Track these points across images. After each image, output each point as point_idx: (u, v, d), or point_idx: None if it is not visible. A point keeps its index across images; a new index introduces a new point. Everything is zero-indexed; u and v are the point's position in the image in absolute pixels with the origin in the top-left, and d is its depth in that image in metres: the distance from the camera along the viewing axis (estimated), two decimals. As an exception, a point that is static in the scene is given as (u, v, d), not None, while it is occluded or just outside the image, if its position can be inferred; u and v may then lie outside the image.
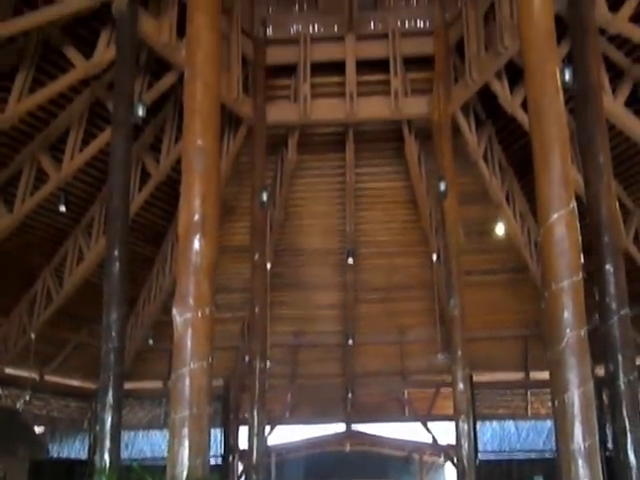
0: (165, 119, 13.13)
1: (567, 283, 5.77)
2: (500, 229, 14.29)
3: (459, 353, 12.08)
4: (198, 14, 6.36)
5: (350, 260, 14.84)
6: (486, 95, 12.84)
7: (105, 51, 10.46)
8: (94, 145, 12.13)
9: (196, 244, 6.01)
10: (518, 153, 14.06)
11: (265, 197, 12.97)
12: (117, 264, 8.70)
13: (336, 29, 13.63)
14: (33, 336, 14.00)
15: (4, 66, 10.82)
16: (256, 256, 13.11)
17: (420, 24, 13.69)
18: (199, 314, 5.82)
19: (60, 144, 12.23)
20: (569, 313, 5.73)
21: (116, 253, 8.72)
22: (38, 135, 12.07)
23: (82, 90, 11.76)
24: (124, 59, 9.55)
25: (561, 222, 5.94)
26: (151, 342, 15.70)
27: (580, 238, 6.14)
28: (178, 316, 5.91)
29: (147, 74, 11.78)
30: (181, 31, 10.06)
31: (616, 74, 11.74)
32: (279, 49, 13.70)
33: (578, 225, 6.11)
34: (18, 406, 14.72)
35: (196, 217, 6.06)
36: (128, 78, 9.55)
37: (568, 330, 5.68)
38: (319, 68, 13.53)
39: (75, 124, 12.06)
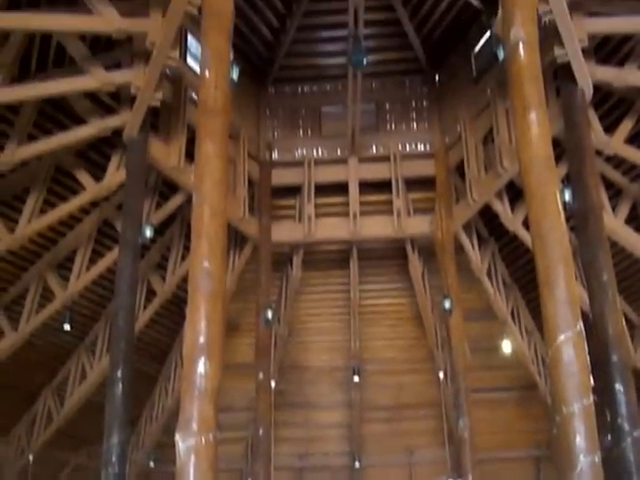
0: (172, 238, 13.32)
1: (578, 407, 5.64)
2: (507, 346, 14.15)
3: (470, 477, 11.69)
4: (206, 142, 6.57)
5: (356, 378, 14.63)
6: (488, 213, 13.08)
7: (115, 174, 10.76)
8: (101, 264, 12.26)
9: (201, 367, 5.93)
10: (522, 269, 14.16)
11: (270, 315, 12.98)
12: (120, 385, 8.60)
13: (339, 152, 14.16)
14: (31, 458, 13.62)
15: (16, 188, 11.10)
16: (260, 375, 12.98)
17: (421, 147, 14.21)
18: (202, 440, 5.67)
19: (67, 262, 12.37)
20: (581, 438, 5.56)
21: (119, 374, 8.63)
22: (46, 254, 12.20)
23: (91, 210, 12.00)
24: (134, 182, 9.81)
25: (569, 344, 5.87)
26: (152, 465, 15.23)
27: (588, 357, 6.06)
28: (181, 442, 5.75)
29: (155, 195, 12.07)
30: (189, 153, 10.41)
31: (615, 192, 11.99)
32: (284, 171, 14.21)
33: (586, 346, 6.05)
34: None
35: (201, 339, 6.02)
36: (137, 200, 9.78)
37: (581, 456, 5.50)
38: (323, 188, 13.94)
39: (83, 243, 12.23)
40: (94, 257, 12.38)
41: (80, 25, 8.86)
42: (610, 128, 11.00)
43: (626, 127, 10.96)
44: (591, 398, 5.80)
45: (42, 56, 9.98)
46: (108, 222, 12.18)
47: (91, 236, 12.27)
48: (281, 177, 14.19)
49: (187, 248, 12.44)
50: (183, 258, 13.14)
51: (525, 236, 11.93)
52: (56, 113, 10.64)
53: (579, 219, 9.14)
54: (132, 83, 9.44)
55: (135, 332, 9.92)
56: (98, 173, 11.06)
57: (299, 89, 15.01)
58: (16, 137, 9.98)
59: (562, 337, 5.94)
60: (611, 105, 11.25)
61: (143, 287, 13.06)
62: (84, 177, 11.01)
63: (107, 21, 8.62)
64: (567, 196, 9.39)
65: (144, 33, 8.86)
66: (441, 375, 14.22)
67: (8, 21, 8.41)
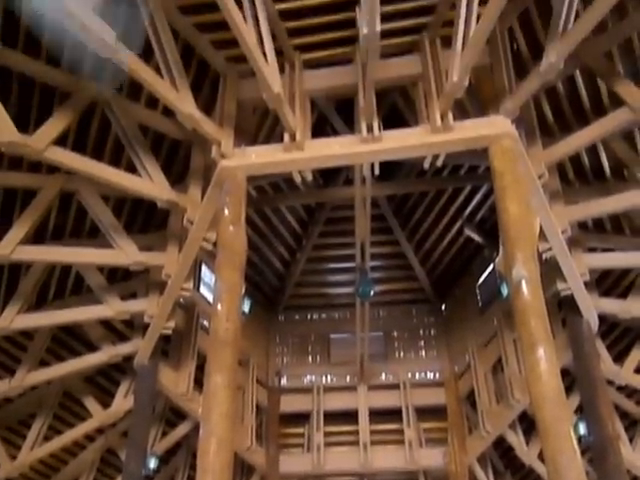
0: (176, 467, 12.85)
1: None
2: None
3: None
4: (216, 373, 6.57)
5: None
6: (502, 444, 12.70)
7: (123, 401, 10.73)
8: (100, 497, 11.80)
9: None
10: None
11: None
12: None
13: (348, 379, 14.14)
14: None
15: (22, 413, 11.02)
16: None
17: (430, 375, 14.21)
18: None
19: (67, 493, 11.91)
20: None
21: None
22: (47, 483, 11.81)
23: (96, 437, 11.77)
24: (141, 409, 9.72)
25: None
26: None
27: None
28: None
29: (162, 423, 11.88)
30: (198, 379, 10.39)
31: (630, 422, 11.76)
32: (293, 397, 14.09)
33: None
34: None
35: None
36: (143, 429, 9.64)
37: None
38: (332, 416, 13.71)
39: (85, 472, 11.88)
40: (95, 487, 11.95)
41: (100, 258, 9.24)
42: (619, 357, 11.07)
43: (635, 357, 11.03)
44: None
45: (61, 284, 10.37)
46: (112, 450, 11.88)
47: (94, 464, 11.93)
48: (290, 404, 14.04)
49: (191, 478, 11.99)
50: (188, 489, 12.64)
51: (541, 468, 11.50)
52: (69, 339, 10.85)
53: (596, 452, 8.89)
54: (146, 312, 9.67)
55: None
56: (106, 399, 11.01)
57: (308, 317, 15.37)
58: (28, 362, 10.11)
59: None
60: (618, 335, 11.38)
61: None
62: (91, 403, 10.97)
63: (126, 254, 9.02)
64: (582, 429, 9.23)
65: (161, 266, 9.25)
66: None
67: (32, 253, 8.77)
